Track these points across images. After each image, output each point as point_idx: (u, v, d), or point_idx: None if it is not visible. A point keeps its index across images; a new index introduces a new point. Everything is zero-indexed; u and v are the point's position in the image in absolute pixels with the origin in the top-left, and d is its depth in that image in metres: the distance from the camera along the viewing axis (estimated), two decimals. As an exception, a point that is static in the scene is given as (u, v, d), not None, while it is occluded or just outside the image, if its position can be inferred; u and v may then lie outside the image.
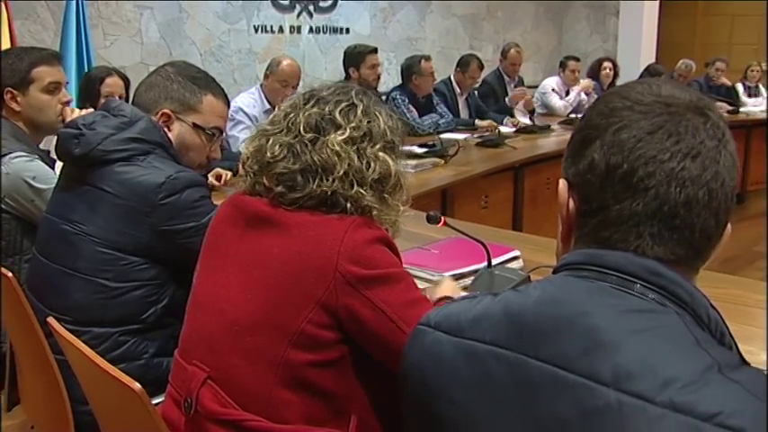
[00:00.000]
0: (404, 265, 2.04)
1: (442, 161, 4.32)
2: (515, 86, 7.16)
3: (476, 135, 5.51)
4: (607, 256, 0.91)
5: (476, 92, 6.90)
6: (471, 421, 0.92)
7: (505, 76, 7.14)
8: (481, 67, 6.46)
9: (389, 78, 7.79)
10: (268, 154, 1.52)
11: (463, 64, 6.42)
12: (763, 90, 9.18)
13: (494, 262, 2.09)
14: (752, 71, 9.21)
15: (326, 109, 1.54)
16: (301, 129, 1.52)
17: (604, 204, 0.92)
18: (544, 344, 0.88)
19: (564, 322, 0.88)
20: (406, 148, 4.42)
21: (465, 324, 0.96)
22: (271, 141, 1.53)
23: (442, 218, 2.06)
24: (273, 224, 1.49)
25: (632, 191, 0.90)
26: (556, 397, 0.85)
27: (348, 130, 1.52)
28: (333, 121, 1.53)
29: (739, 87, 9.00)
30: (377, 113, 1.58)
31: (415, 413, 1.02)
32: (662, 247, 0.91)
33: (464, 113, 6.36)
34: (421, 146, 4.47)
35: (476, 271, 2.11)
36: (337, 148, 1.49)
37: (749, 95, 9.03)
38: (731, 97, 8.55)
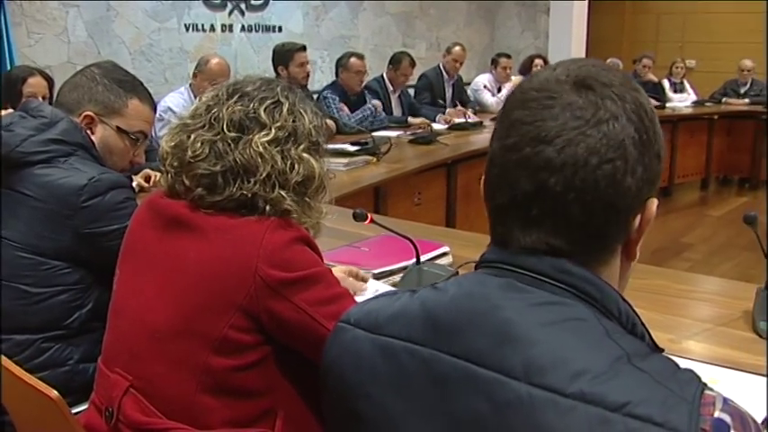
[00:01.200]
0: (334, 263, 2.06)
1: (375, 159, 4.33)
2: (454, 84, 7.22)
3: (408, 132, 5.52)
4: (518, 254, 0.92)
5: (409, 89, 6.94)
6: (387, 417, 0.92)
7: (445, 74, 7.18)
8: (413, 64, 6.48)
9: (323, 77, 7.78)
10: (189, 152, 1.48)
11: (395, 62, 6.44)
12: (687, 85, 9.42)
13: (422, 258, 2.10)
14: (676, 68, 9.46)
15: (251, 106, 1.50)
16: (224, 126, 1.48)
17: (491, 197, 0.94)
18: (457, 339, 0.88)
19: (476, 317, 0.88)
20: (339, 146, 4.47)
21: (383, 321, 0.96)
22: (192, 138, 1.49)
23: (369, 215, 2.07)
24: (191, 228, 1.46)
25: (497, 186, 0.92)
26: (469, 392, 0.85)
27: (273, 131, 1.49)
28: (257, 120, 1.49)
29: (665, 83, 9.22)
30: (302, 112, 1.55)
31: (335, 410, 1.02)
32: (535, 236, 0.90)
33: (397, 111, 6.37)
34: (353, 144, 4.46)
35: (405, 268, 2.12)
36: (261, 149, 1.46)
37: (675, 91, 9.26)
38: (657, 93, 8.75)
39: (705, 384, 0.82)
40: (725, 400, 0.80)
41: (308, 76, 5.30)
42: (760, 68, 9.68)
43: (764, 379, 1.54)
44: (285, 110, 1.53)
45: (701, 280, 2.52)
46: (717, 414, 0.78)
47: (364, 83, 5.99)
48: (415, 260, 2.08)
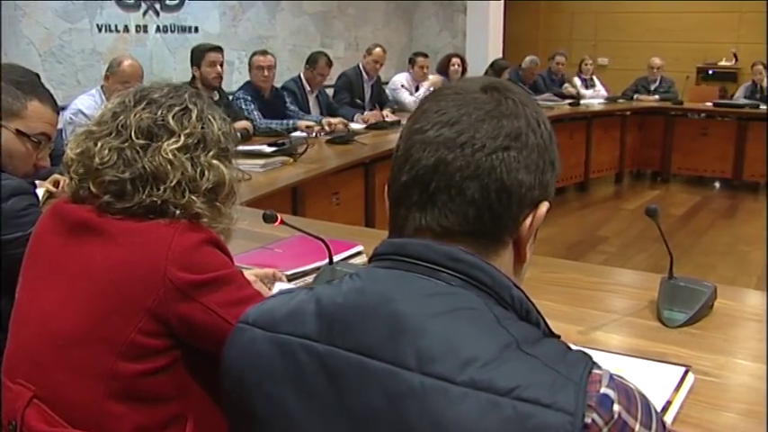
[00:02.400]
0: (248, 265, 2.04)
1: (292, 159, 4.30)
2: (373, 85, 7.23)
3: (323, 133, 5.50)
4: (409, 245, 0.93)
5: (328, 89, 6.92)
6: (286, 416, 0.92)
7: (364, 74, 7.19)
8: (329, 63, 6.46)
9: (241, 77, 7.69)
10: (96, 159, 1.45)
11: (311, 61, 6.40)
12: (597, 81, 9.65)
13: (335, 258, 2.10)
14: (585, 64, 9.68)
15: (159, 113, 1.48)
16: (132, 133, 1.46)
17: (394, 180, 0.97)
18: (351, 334, 0.89)
19: (369, 311, 0.89)
20: (255, 147, 4.43)
21: (279, 319, 0.96)
22: (99, 145, 1.46)
23: (279, 216, 2.05)
24: (98, 232, 1.43)
25: (400, 166, 0.95)
26: (364, 386, 0.86)
27: (182, 138, 1.47)
28: (166, 127, 1.47)
29: (576, 80, 9.43)
30: (211, 118, 1.54)
31: (236, 412, 1.01)
32: (430, 216, 0.93)
33: (315, 111, 6.33)
34: (270, 145, 4.43)
35: (318, 268, 2.11)
36: (170, 156, 1.45)
37: (585, 87, 9.47)
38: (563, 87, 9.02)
39: (594, 364, 0.85)
40: (611, 377, 0.84)
41: (219, 76, 5.20)
42: (669, 67, 10.00)
43: (667, 366, 1.58)
44: (194, 116, 1.51)
45: (611, 272, 2.59)
46: (602, 390, 0.81)
47: (273, 79, 5.88)
48: (328, 260, 2.08)
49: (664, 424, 0.88)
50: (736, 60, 11.26)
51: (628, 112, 9.07)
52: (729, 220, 7.50)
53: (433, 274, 0.91)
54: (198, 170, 1.48)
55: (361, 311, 0.90)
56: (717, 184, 9.24)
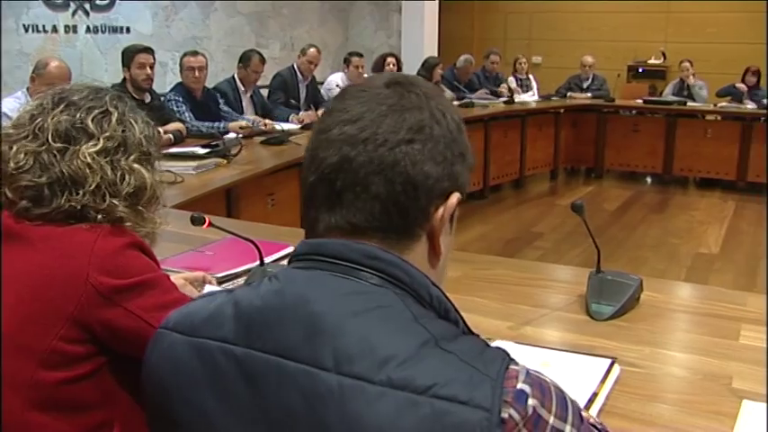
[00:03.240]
0: (178, 269, 2.01)
1: (225, 161, 4.25)
2: (308, 85, 7.19)
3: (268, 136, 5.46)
4: (326, 245, 0.93)
5: (263, 90, 6.87)
6: (206, 421, 0.91)
7: (299, 74, 7.14)
8: (263, 61, 6.39)
9: (175, 78, 7.59)
10: (11, 163, 1.41)
11: (244, 59, 6.34)
12: (533, 80, 9.77)
13: (267, 260, 2.08)
14: (519, 63, 9.79)
15: (78, 116, 1.45)
16: (50, 136, 1.42)
17: (303, 180, 0.97)
18: (268, 335, 0.88)
19: (286, 312, 0.88)
20: (188, 149, 4.37)
21: (199, 323, 0.95)
22: (15, 149, 1.42)
23: (207, 219, 2.02)
24: (16, 239, 1.39)
25: (308, 167, 0.95)
26: (281, 388, 0.86)
27: (101, 141, 1.44)
28: (85, 130, 1.44)
29: (512, 81, 9.52)
30: (132, 121, 1.51)
31: (157, 418, 0.99)
32: (338, 215, 0.92)
33: (249, 111, 6.26)
34: (203, 146, 4.38)
35: (249, 270, 2.09)
36: (89, 159, 1.41)
37: (521, 87, 9.58)
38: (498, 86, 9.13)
39: (511, 360, 0.85)
40: (527, 373, 0.84)
41: (149, 78, 5.10)
42: (601, 65, 10.18)
43: (594, 358, 1.61)
44: (114, 120, 1.48)
45: (542, 268, 2.62)
46: (518, 386, 0.82)
47: (204, 80, 5.80)
48: (259, 262, 2.06)
49: (581, 415, 0.89)
50: (665, 59, 11.53)
51: (561, 110, 9.23)
52: (660, 215, 7.68)
53: (350, 273, 0.90)
54: (118, 174, 1.45)
55: (279, 313, 0.89)
56: (648, 179, 9.46)
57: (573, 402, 0.88)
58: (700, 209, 7.92)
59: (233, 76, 6.34)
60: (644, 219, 7.38)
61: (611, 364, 1.57)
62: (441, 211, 0.94)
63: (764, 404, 1.46)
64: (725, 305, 2.02)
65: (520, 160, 8.50)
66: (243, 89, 6.31)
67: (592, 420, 1.09)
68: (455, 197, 0.96)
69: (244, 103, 6.26)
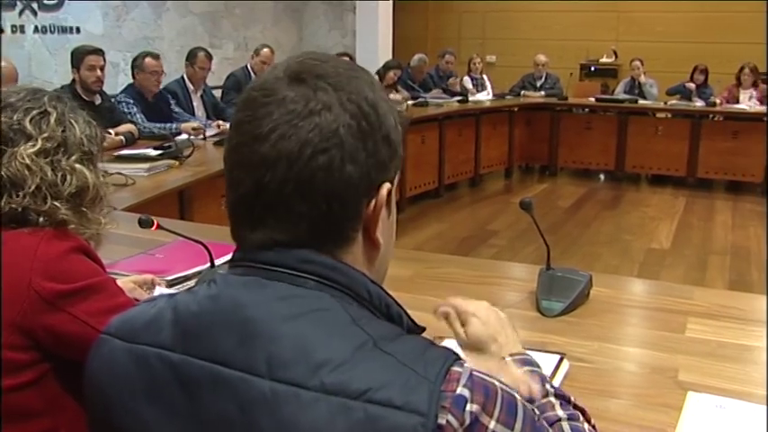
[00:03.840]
0: (126, 272, 1.98)
1: (178, 162, 4.21)
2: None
3: (209, 135, 5.42)
4: (260, 253, 0.91)
5: (216, 90, 6.82)
6: (144, 429, 0.90)
7: (253, 74, 7.11)
8: (209, 57, 6.34)
9: (127, 79, 7.50)
10: None
11: (190, 56, 6.28)
12: (486, 80, 9.84)
13: (218, 262, 2.07)
14: (474, 63, 9.86)
15: (15, 117, 1.42)
16: None
17: (225, 196, 0.94)
18: (204, 342, 0.87)
19: (221, 318, 0.87)
20: (140, 151, 4.32)
21: (138, 328, 0.93)
22: None
23: (155, 221, 2.01)
24: None
25: (227, 184, 0.92)
26: (216, 395, 0.84)
27: (40, 142, 1.42)
28: (23, 132, 1.42)
29: (467, 81, 9.59)
30: (72, 121, 1.49)
31: (97, 425, 0.98)
32: (260, 234, 0.89)
33: (200, 112, 6.20)
34: (155, 148, 4.33)
35: (200, 272, 2.07)
36: (28, 161, 1.39)
37: (476, 86, 9.64)
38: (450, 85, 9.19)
39: (455, 361, 0.83)
40: (470, 375, 0.82)
41: (99, 80, 5.02)
42: (554, 63, 10.28)
43: (543, 354, 1.62)
44: (53, 120, 1.46)
45: (493, 265, 2.64)
46: (458, 390, 0.80)
47: (162, 84, 5.79)
48: (209, 264, 2.05)
49: (533, 422, 0.87)
50: (616, 57, 11.70)
51: (515, 109, 9.31)
52: (613, 211, 7.78)
53: (286, 278, 0.88)
54: (59, 175, 1.43)
55: (214, 318, 0.88)
56: (601, 176, 9.59)
57: (525, 409, 0.86)
58: (651, 205, 8.05)
59: (182, 76, 6.29)
60: (597, 215, 7.48)
61: (560, 360, 1.59)
62: (372, 204, 0.91)
63: (708, 395, 1.49)
64: (672, 299, 2.06)
65: (475, 159, 8.56)
66: (192, 88, 6.26)
67: (562, 412, 1.09)
68: (385, 189, 0.91)
69: (194, 103, 6.21)
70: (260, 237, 0.89)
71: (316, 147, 0.86)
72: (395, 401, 0.78)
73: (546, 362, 1.58)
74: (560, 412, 1.13)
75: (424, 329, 0.98)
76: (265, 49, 7.19)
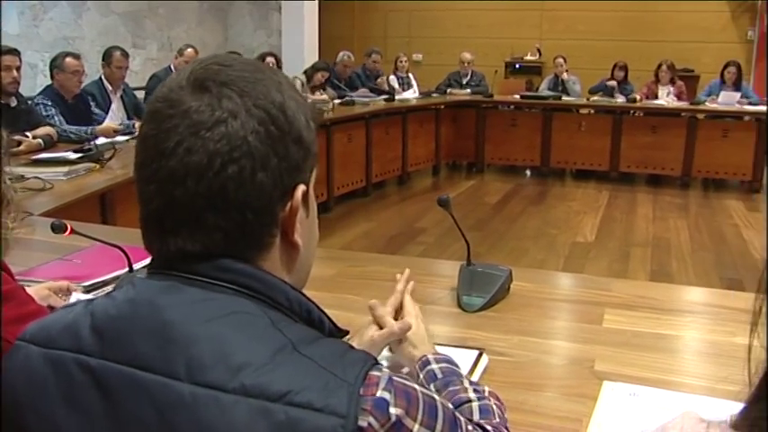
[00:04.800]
0: (41, 279, 1.94)
1: (98, 165, 4.13)
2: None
3: (132, 137, 5.32)
4: (172, 262, 0.90)
5: (138, 91, 6.70)
6: None
7: (176, 74, 7.01)
8: (126, 55, 6.22)
9: (46, 80, 7.31)
10: None
11: (106, 57, 6.16)
12: (412, 78, 9.89)
13: (136, 266, 2.03)
14: (401, 62, 9.91)
15: None
16: None
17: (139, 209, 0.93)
18: (123, 346, 0.86)
19: (140, 322, 0.86)
20: (58, 154, 4.22)
21: (55, 334, 0.91)
22: None
23: (69, 226, 1.96)
24: None
25: (137, 197, 0.91)
26: (134, 399, 0.83)
27: None
28: None
29: (393, 80, 9.62)
30: None
31: None
32: (172, 245, 0.88)
33: (120, 113, 6.06)
34: (75, 151, 4.23)
35: (117, 277, 2.04)
36: None
37: (401, 85, 9.68)
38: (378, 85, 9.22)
39: (374, 365, 0.84)
40: (389, 379, 0.83)
41: (15, 81, 4.87)
42: (479, 61, 10.40)
43: (463, 350, 1.64)
44: None
45: (416, 262, 2.64)
46: (378, 393, 0.81)
47: (84, 84, 5.66)
48: (127, 269, 2.01)
49: (454, 421, 0.89)
50: (540, 55, 11.91)
51: (441, 106, 9.39)
52: (539, 206, 7.92)
53: (204, 286, 0.88)
54: None
55: (133, 322, 0.86)
56: (527, 172, 9.74)
57: (445, 410, 0.88)
58: (576, 199, 8.22)
59: (100, 77, 6.16)
60: (524, 211, 7.60)
61: (479, 355, 1.61)
62: (287, 208, 0.91)
63: (623, 384, 1.53)
64: (590, 291, 2.10)
65: (402, 157, 8.60)
66: (111, 89, 6.13)
67: (477, 419, 1.12)
68: (300, 191, 0.91)
69: (114, 105, 6.07)
70: (173, 248, 0.88)
71: (224, 157, 0.85)
72: (315, 404, 0.78)
73: (465, 357, 1.60)
74: (471, 395, 1.21)
75: (347, 333, 0.99)
76: (189, 50, 7.10)
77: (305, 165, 0.93)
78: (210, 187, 0.85)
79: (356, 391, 0.80)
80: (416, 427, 0.83)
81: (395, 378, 0.84)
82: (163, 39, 9.97)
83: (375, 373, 0.83)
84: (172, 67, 7.07)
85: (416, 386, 0.86)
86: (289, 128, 0.90)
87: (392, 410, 0.81)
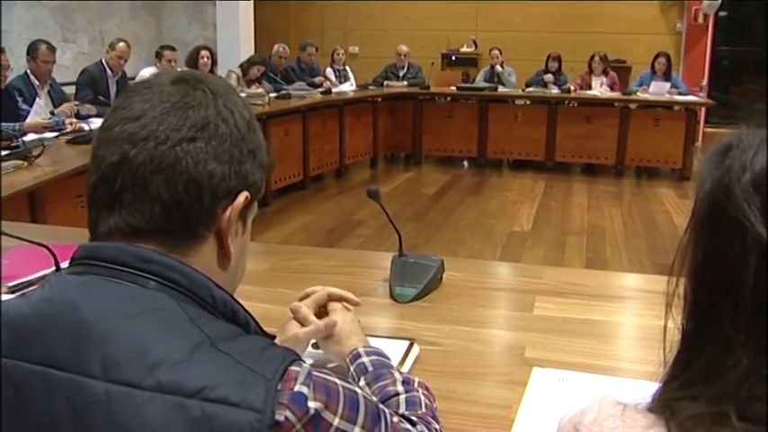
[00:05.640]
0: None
1: (26, 163, 4.03)
2: (118, 81, 6.93)
3: (61, 133, 5.21)
4: (101, 248, 0.90)
5: (66, 86, 6.55)
6: None
7: (108, 70, 6.87)
8: (52, 49, 6.07)
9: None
10: None
11: (31, 51, 6.00)
12: (349, 71, 9.88)
13: (63, 265, 1.98)
14: (337, 54, 9.88)
15: None
16: None
17: (87, 179, 0.94)
18: (36, 346, 0.85)
19: (55, 321, 0.85)
20: (-17, 151, 4.11)
21: None
22: None
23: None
24: None
25: (90, 167, 0.93)
26: (49, 399, 0.82)
27: None
28: None
29: (330, 73, 9.59)
30: None
31: None
32: (117, 216, 0.90)
33: (48, 108, 5.92)
34: (2, 148, 4.13)
35: (44, 277, 1.99)
36: None
37: (338, 78, 9.66)
38: (315, 77, 9.19)
39: (294, 360, 0.85)
40: (309, 374, 0.84)
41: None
42: (416, 53, 10.44)
43: (394, 341, 1.65)
44: None
45: (351, 255, 2.66)
46: (297, 388, 0.81)
47: (9, 78, 5.50)
48: (54, 267, 1.97)
49: (378, 415, 0.90)
50: (476, 47, 12.00)
51: (379, 99, 9.41)
52: (477, 196, 7.99)
53: (125, 277, 0.88)
54: None
55: (48, 322, 0.85)
56: (465, 163, 9.81)
57: (367, 403, 0.89)
58: (513, 189, 8.32)
59: (25, 72, 6.00)
60: (461, 201, 7.66)
61: (410, 345, 1.62)
62: (228, 211, 0.93)
63: (552, 369, 1.55)
64: (521, 280, 2.13)
65: (340, 150, 8.59)
66: (38, 84, 5.98)
67: (403, 411, 1.12)
68: (243, 196, 0.94)
69: (41, 99, 5.91)
70: (116, 220, 0.90)
71: (185, 135, 0.90)
72: (231, 399, 0.78)
73: (396, 348, 1.60)
74: (399, 387, 1.21)
75: (273, 338, 1.00)
76: (121, 44, 6.96)
77: (252, 180, 0.97)
78: (165, 156, 0.89)
79: (274, 386, 0.80)
80: (337, 420, 0.83)
81: (314, 373, 0.85)
82: (94, 32, 9.78)
83: (294, 368, 0.84)
84: (103, 62, 6.91)
85: (337, 380, 0.87)
86: (249, 139, 0.96)
87: (311, 404, 0.81)
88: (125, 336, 0.82)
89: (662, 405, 0.78)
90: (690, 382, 0.76)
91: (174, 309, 0.86)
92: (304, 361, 0.88)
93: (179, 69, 7.35)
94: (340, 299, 1.51)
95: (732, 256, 0.72)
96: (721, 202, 0.73)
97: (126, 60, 7.00)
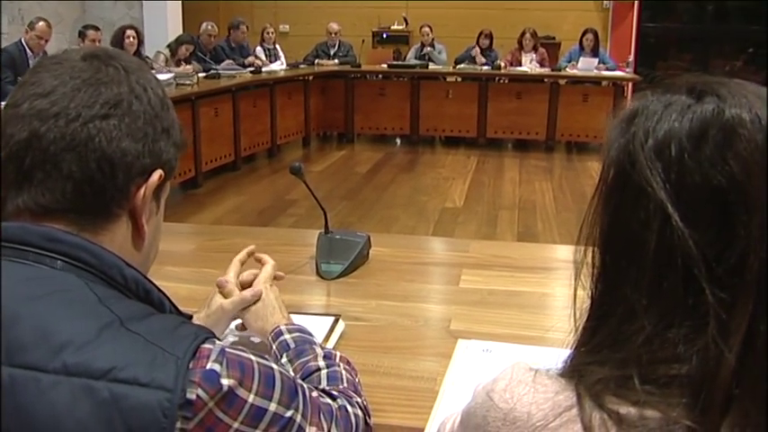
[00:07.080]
0: None
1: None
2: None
3: None
4: (5, 228, 0.87)
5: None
6: None
7: (28, 50, 6.67)
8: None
9: None
10: None
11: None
12: (279, 50, 9.78)
13: None
14: (267, 33, 9.77)
15: None
16: None
17: None
18: None
19: None
20: None
21: None
22: None
23: None
24: None
25: (1, 139, 0.89)
26: None
27: None
28: None
29: (260, 52, 9.48)
30: None
31: None
32: (26, 195, 0.87)
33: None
34: None
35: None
36: None
37: (268, 57, 9.55)
38: (245, 56, 9.09)
39: (207, 338, 0.84)
40: (222, 351, 0.83)
41: None
42: (347, 31, 10.38)
43: (319, 317, 1.64)
44: None
45: (278, 233, 2.64)
46: (209, 365, 0.80)
47: None
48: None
49: (296, 391, 0.90)
50: (407, 24, 11.99)
51: (310, 77, 9.34)
52: (409, 174, 8.02)
53: (30, 257, 0.85)
54: None
55: None
56: (398, 141, 9.83)
57: (284, 378, 0.88)
58: (445, 166, 8.36)
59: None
60: (394, 179, 7.67)
61: (335, 321, 1.61)
62: (142, 190, 0.91)
63: (476, 341, 1.56)
64: (448, 254, 2.15)
65: (271, 130, 8.51)
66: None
67: (324, 386, 1.11)
68: (157, 174, 0.92)
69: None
70: (24, 198, 0.87)
71: (97, 112, 0.87)
72: (140, 379, 0.77)
73: (321, 325, 1.60)
74: (321, 363, 1.20)
75: (190, 317, 0.98)
76: (41, 23, 6.76)
77: (166, 158, 0.95)
78: (77, 133, 0.86)
79: (185, 365, 0.79)
80: (251, 397, 0.83)
81: (228, 350, 0.84)
82: (14, 11, 9.45)
83: (207, 345, 0.83)
84: (23, 42, 6.71)
85: (252, 356, 0.86)
86: (163, 117, 0.94)
87: (223, 381, 0.80)
88: (30, 318, 0.79)
89: (572, 370, 0.79)
90: (598, 348, 0.77)
91: (82, 289, 0.84)
92: (216, 338, 0.86)
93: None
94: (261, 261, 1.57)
95: (636, 222, 0.73)
96: (626, 169, 0.74)
97: (47, 41, 6.81)
